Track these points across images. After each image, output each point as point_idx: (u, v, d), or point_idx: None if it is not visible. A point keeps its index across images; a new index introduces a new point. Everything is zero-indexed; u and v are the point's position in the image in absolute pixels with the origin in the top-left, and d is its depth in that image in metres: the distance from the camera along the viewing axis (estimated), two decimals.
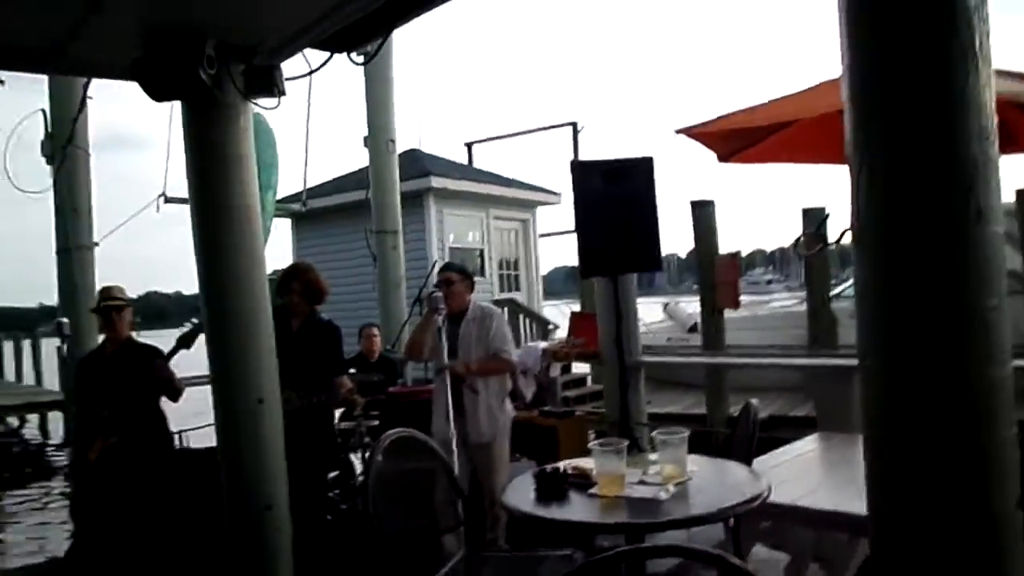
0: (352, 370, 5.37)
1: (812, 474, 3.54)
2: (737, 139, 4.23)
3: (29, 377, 16.86)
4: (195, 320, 3.98)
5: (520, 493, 2.39)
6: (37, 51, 3.10)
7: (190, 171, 3.31)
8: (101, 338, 4.59)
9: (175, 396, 4.31)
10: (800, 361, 5.32)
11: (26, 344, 16.52)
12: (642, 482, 2.35)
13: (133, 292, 4.84)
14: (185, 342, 4.09)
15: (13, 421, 14.74)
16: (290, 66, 3.44)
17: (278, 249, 13.40)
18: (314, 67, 3.37)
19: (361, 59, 3.61)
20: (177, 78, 3.03)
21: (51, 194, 5.74)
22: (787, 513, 2.88)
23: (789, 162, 4.93)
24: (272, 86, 3.37)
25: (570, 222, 5.04)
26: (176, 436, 5.64)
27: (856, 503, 3.02)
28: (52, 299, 5.65)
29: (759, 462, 3.35)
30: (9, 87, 5.40)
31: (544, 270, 15.42)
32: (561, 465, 2.56)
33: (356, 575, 4.02)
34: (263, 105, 3.47)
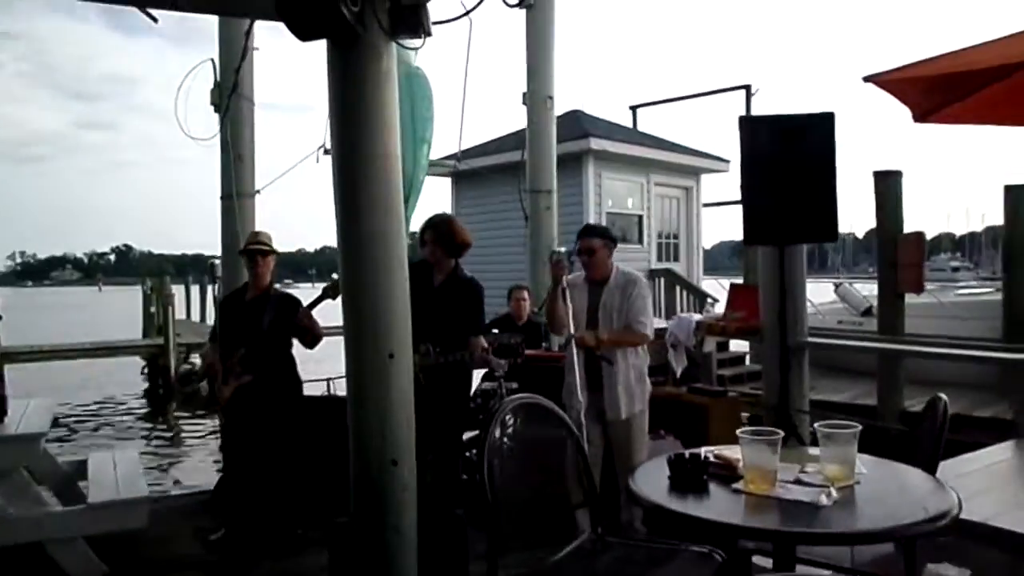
0: (495, 331, 5.23)
1: (1008, 488, 3.02)
2: (941, 91, 3.61)
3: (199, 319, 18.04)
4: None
5: (652, 479, 2.09)
6: None
7: (332, 115, 3.21)
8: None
9: (313, 343, 4.37)
10: (998, 355, 4.64)
11: (195, 288, 17.72)
12: (799, 481, 1.99)
13: (289, 246, 4.93)
14: (331, 292, 4.11)
15: (196, 359, 16.01)
16: (442, 8, 3.28)
17: (438, 207, 13.60)
18: (468, 7, 3.21)
19: (515, 1, 3.39)
20: (321, 14, 2.93)
21: (218, 142, 5.91)
22: (975, 532, 2.42)
23: (1007, 123, 4.22)
24: (418, 26, 3.21)
25: (738, 192, 4.61)
26: (327, 383, 5.81)
27: None
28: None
29: (941, 469, 2.89)
30: (183, 41, 5.61)
31: (708, 243, 14.73)
32: (702, 451, 2.24)
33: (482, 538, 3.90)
34: (407, 45, 3.30)
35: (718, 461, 2.11)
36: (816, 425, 2.05)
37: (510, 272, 9.28)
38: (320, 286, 4.42)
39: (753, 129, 4.40)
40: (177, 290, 17.72)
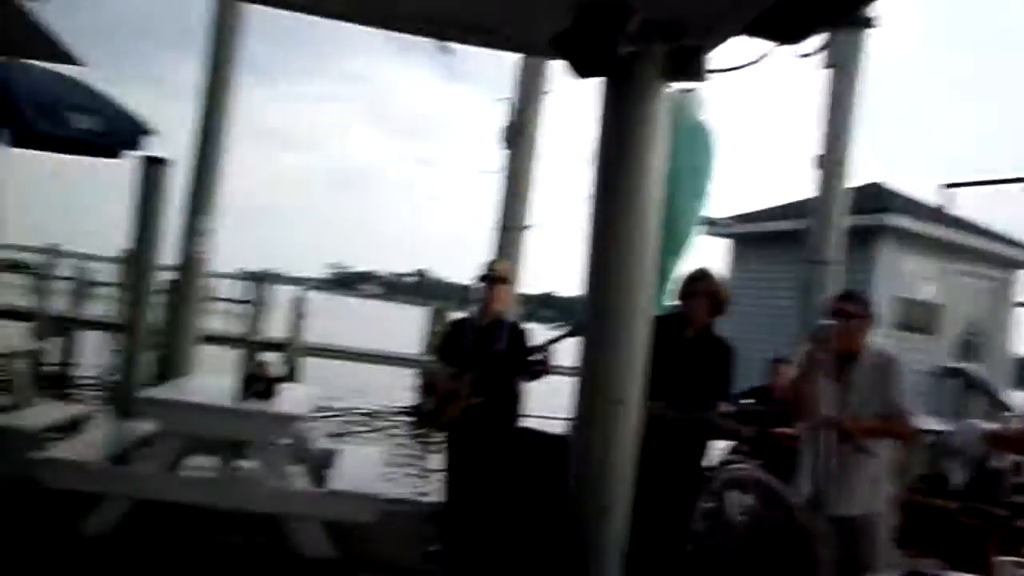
0: (751, 400, 4.92)
1: None
2: None
3: None
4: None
5: None
6: (474, 26, 3.28)
7: (595, 153, 3.22)
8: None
9: (536, 377, 4.37)
10: None
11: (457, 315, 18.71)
12: None
13: (540, 289, 5.04)
14: (576, 331, 4.09)
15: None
16: (723, 57, 3.18)
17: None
18: (751, 59, 3.08)
19: (804, 53, 3.20)
20: (599, 52, 2.95)
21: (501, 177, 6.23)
22: None
23: None
24: (695, 70, 3.13)
25: None
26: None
27: None
28: None
29: None
30: (494, 85, 6.07)
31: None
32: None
33: None
34: (677, 85, 3.22)
35: None
36: None
37: (777, 345, 8.73)
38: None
39: None
40: (455, 316, 18.89)
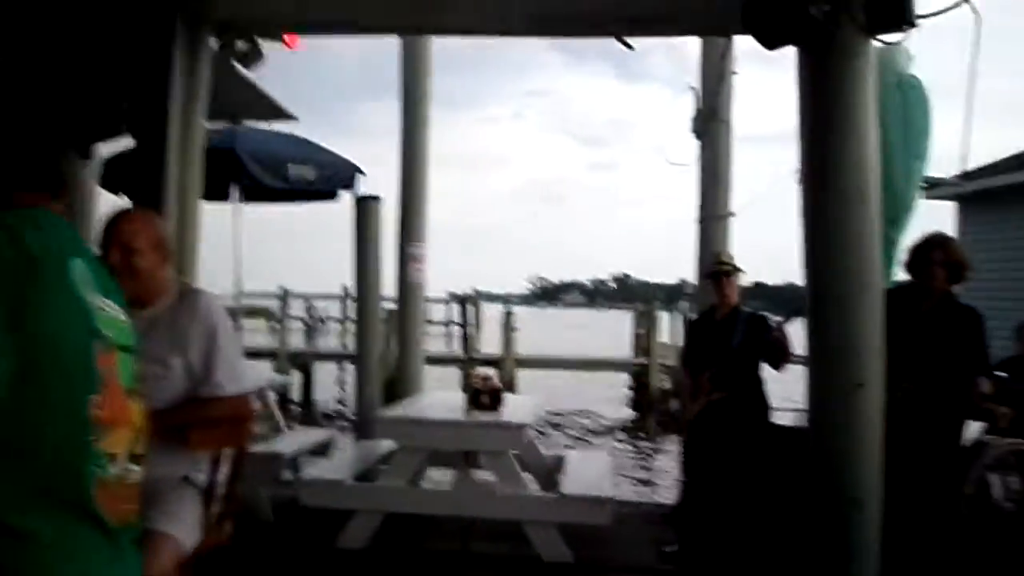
0: (1003, 374, 4.44)
1: None
2: None
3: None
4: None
5: None
6: (653, 19, 3.24)
7: (801, 125, 3.06)
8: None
9: (780, 363, 4.22)
10: None
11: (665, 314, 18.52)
12: None
13: (747, 279, 4.89)
14: (796, 315, 3.93)
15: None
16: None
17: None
18: None
19: None
20: (788, 18, 2.82)
21: (697, 168, 6.08)
22: None
23: None
24: (900, 18, 2.89)
25: None
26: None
27: None
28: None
29: None
30: (675, 82, 5.97)
31: None
32: None
33: None
34: (885, 40, 2.99)
35: None
36: None
37: (1016, 312, 7.83)
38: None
39: None
40: (663, 316, 18.74)
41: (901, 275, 4.05)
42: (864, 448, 2.85)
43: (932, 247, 3.72)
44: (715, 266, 4.69)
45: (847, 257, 2.92)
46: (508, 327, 17.64)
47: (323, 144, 6.93)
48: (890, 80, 5.48)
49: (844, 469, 2.87)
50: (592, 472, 4.97)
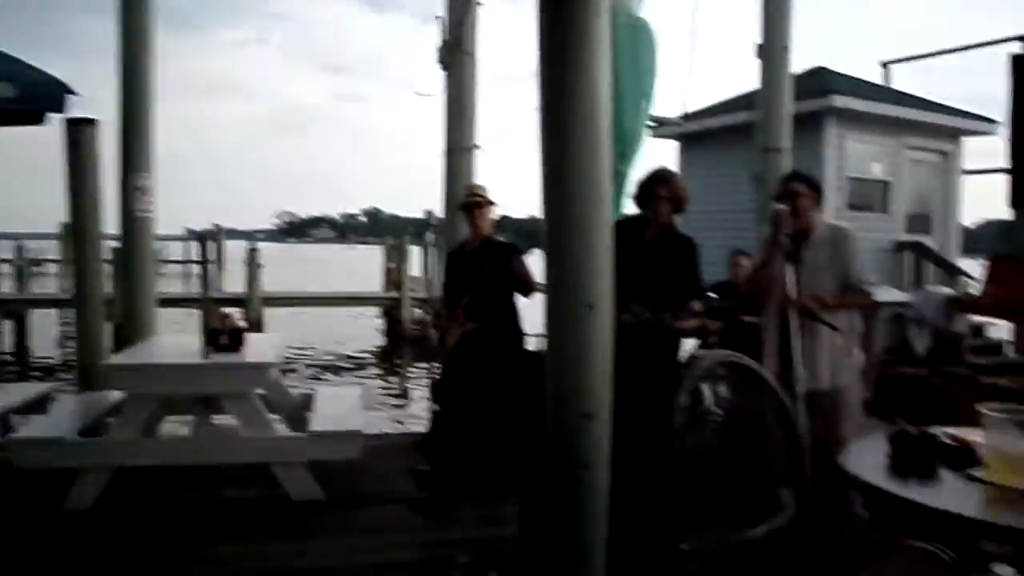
0: (713, 295, 4.95)
1: None
2: None
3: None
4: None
5: (869, 457, 1.79)
6: None
7: (539, 59, 3.09)
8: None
9: (527, 292, 4.39)
10: None
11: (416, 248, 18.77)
12: None
13: (513, 212, 5.03)
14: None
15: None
16: None
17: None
18: None
19: None
20: None
21: (443, 100, 6.05)
22: None
23: None
24: None
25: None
26: None
27: None
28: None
29: None
30: (429, 18, 5.84)
31: (970, 221, 13.03)
32: (937, 430, 1.89)
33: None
34: None
35: (953, 442, 1.77)
36: None
37: (735, 240, 8.81)
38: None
39: None
40: (414, 250, 18.88)
41: (631, 207, 4.35)
42: (596, 366, 3.01)
43: (657, 182, 4.01)
44: (467, 198, 4.73)
45: (581, 188, 3.02)
46: (253, 264, 16.81)
47: (23, 59, 5.99)
48: (622, 21, 5.79)
49: (578, 386, 3.02)
50: (341, 407, 4.92)
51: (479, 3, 5.83)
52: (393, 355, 15.95)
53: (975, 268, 9.82)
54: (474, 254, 4.65)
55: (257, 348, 4.74)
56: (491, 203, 4.73)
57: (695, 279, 4.08)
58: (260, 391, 4.59)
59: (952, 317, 5.27)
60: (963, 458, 1.71)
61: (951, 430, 1.87)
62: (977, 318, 6.40)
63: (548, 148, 3.08)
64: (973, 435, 1.71)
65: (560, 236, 3.10)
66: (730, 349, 4.70)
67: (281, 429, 4.94)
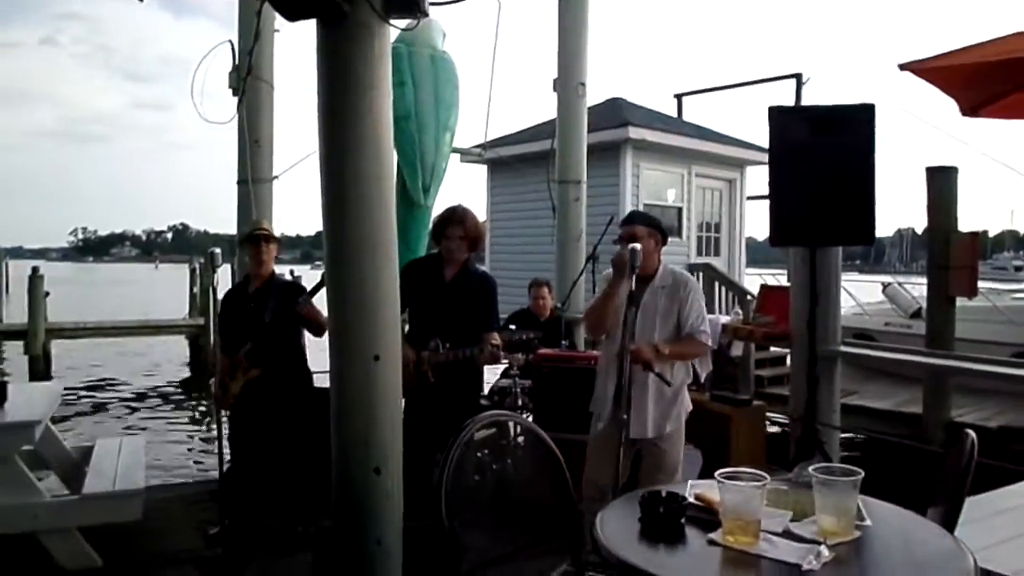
0: (512, 326, 5.00)
1: None
2: (988, 82, 3.24)
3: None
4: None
5: (621, 522, 1.83)
6: None
7: (319, 101, 3.00)
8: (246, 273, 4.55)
9: (319, 332, 4.25)
10: None
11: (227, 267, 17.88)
12: (788, 533, 1.72)
13: (309, 231, 4.83)
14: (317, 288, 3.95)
15: None
16: None
17: (474, 195, 13.35)
18: None
19: None
20: None
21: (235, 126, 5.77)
22: None
23: None
24: (413, 5, 2.99)
25: None
26: None
27: None
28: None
29: (975, 503, 2.58)
30: (231, 21, 5.53)
31: (759, 235, 14.12)
32: (688, 486, 1.98)
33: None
34: (398, 25, 3.07)
35: (698, 503, 1.85)
36: (811, 469, 1.77)
37: (540, 265, 9.05)
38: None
39: (785, 121, 4.08)
40: (225, 268, 17.95)
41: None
42: (383, 418, 2.94)
43: (447, 223, 4.01)
44: (253, 231, 4.50)
45: (364, 231, 2.95)
46: (36, 290, 15.16)
47: None
48: (425, 53, 5.79)
49: (365, 440, 2.94)
50: (122, 462, 4.53)
51: (276, 30, 5.61)
52: (197, 388, 15.00)
53: (757, 284, 10.70)
54: (256, 294, 4.40)
55: (25, 400, 4.27)
56: (276, 240, 4.53)
57: (491, 315, 4.11)
58: (27, 447, 4.14)
59: (729, 342, 5.68)
60: (707, 519, 1.78)
61: (703, 486, 1.95)
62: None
63: (329, 195, 2.99)
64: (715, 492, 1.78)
65: (344, 283, 3.01)
66: (536, 380, 4.84)
67: (54, 485, 4.48)
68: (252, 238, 4.44)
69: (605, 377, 3.54)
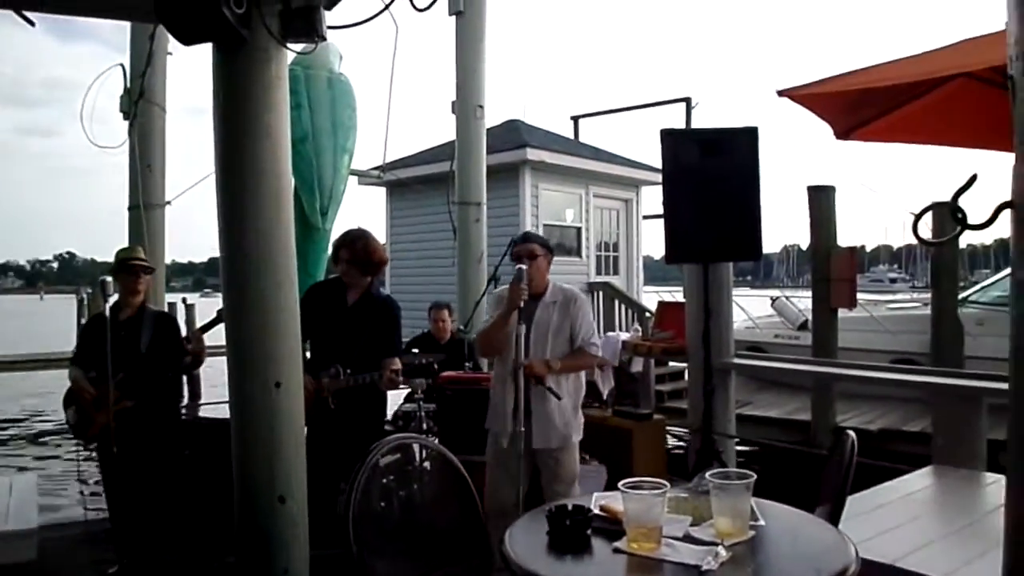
0: (414, 350, 4.98)
1: (923, 522, 2.88)
2: (860, 107, 3.48)
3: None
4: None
5: (530, 536, 1.87)
6: None
7: (216, 125, 2.95)
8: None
9: (195, 366, 4.13)
10: (917, 379, 4.58)
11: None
12: (688, 537, 1.79)
13: (201, 257, 4.68)
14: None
15: None
16: (344, 13, 3.06)
17: (373, 216, 13.21)
18: (371, 13, 3.00)
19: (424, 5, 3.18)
20: (202, 16, 2.68)
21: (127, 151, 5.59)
22: (881, 575, 2.27)
23: (927, 143, 4.13)
24: (310, 30, 2.97)
25: None
26: None
27: (980, 565, 2.46)
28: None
29: (857, 499, 2.75)
30: (121, 46, 5.34)
31: (654, 253, 14.54)
32: (593, 498, 2.03)
33: None
34: (295, 49, 3.06)
35: (603, 514, 1.90)
36: (707, 474, 1.86)
37: (441, 287, 9.05)
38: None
39: (675, 142, 4.26)
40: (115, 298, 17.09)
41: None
42: (287, 446, 2.89)
43: (340, 246, 4.00)
44: (128, 260, 4.29)
45: (262, 257, 2.91)
46: None
47: None
48: (322, 75, 5.76)
49: (269, 468, 2.88)
50: (13, 501, 4.26)
51: (169, 53, 5.47)
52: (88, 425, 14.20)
53: (655, 300, 10.99)
54: (127, 323, 4.19)
55: None
56: (151, 269, 4.38)
57: (393, 340, 4.09)
58: None
59: (630, 358, 5.84)
60: (612, 529, 1.84)
61: (606, 497, 2.01)
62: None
63: (226, 219, 2.93)
64: (620, 503, 1.84)
65: (242, 310, 2.94)
66: (440, 403, 4.83)
67: None
68: (127, 267, 4.24)
69: (502, 393, 3.59)
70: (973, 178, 1.31)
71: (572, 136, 14.10)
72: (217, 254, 3.05)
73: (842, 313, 7.87)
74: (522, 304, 3.35)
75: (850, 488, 2.29)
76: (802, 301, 10.66)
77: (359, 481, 2.16)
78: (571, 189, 11.59)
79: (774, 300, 10.81)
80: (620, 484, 1.76)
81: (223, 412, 4.56)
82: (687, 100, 13.05)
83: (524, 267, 3.43)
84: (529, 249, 3.61)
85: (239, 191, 2.90)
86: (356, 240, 3.99)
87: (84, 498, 8.78)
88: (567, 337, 3.65)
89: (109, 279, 4.06)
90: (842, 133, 3.80)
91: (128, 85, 5.48)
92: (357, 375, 3.86)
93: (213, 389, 4.85)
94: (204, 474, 4.12)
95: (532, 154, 10.64)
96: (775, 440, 7.29)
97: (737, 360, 4.92)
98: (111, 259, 4.34)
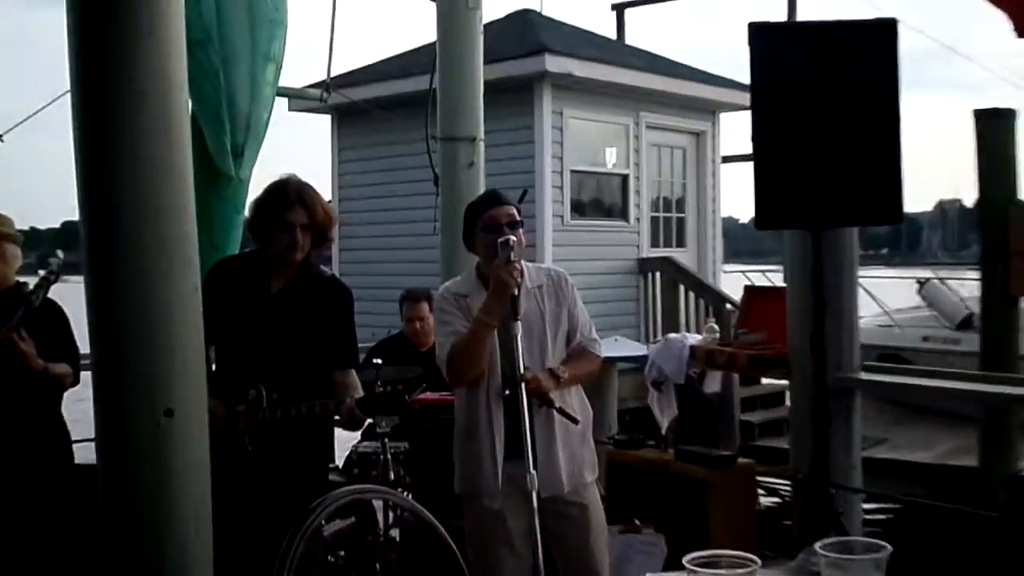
0: (378, 360, 4.97)
1: None
2: None
3: None
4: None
5: None
6: None
7: (70, 21, 2.99)
8: None
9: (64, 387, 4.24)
10: None
11: None
12: None
13: (51, 222, 4.78)
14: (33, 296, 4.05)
15: None
16: None
17: (314, 160, 13.19)
18: None
19: None
20: None
21: None
22: None
23: None
24: None
25: None
26: None
27: None
28: None
29: None
30: None
31: (739, 215, 14.54)
32: None
33: None
34: None
35: None
36: (818, 546, 1.88)
37: (416, 264, 9.08)
38: None
39: (773, 44, 4.27)
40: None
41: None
42: (182, 504, 3.01)
43: (283, 206, 3.89)
44: None
45: (145, 225, 2.97)
46: None
47: None
48: None
49: (154, 536, 2.99)
50: None
51: None
52: None
53: (740, 284, 10.98)
54: None
55: None
56: (14, 239, 4.46)
57: (346, 345, 4.12)
58: None
59: (701, 373, 5.86)
60: None
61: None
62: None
63: (88, 164, 2.97)
64: None
65: (116, 307, 2.99)
66: (414, 439, 4.87)
67: None
68: None
69: (481, 432, 3.67)
70: None
71: (615, 36, 14.09)
72: (75, 218, 3.09)
73: None
74: (517, 292, 3.42)
75: None
76: (965, 287, 10.67)
77: (291, 558, 2.19)
78: (613, 117, 11.54)
79: (922, 285, 10.84)
80: (686, 560, 1.79)
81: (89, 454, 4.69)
82: None
83: (512, 237, 3.48)
84: (508, 213, 3.68)
85: (106, 122, 2.95)
86: (305, 192, 3.93)
87: None
88: (565, 332, 3.76)
89: None
90: None
91: None
92: (291, 403, 3.86)
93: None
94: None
95: (554, 63, 10.58)
96: (922, 496, 7.32)
97: (865, 376, 4.93)
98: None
